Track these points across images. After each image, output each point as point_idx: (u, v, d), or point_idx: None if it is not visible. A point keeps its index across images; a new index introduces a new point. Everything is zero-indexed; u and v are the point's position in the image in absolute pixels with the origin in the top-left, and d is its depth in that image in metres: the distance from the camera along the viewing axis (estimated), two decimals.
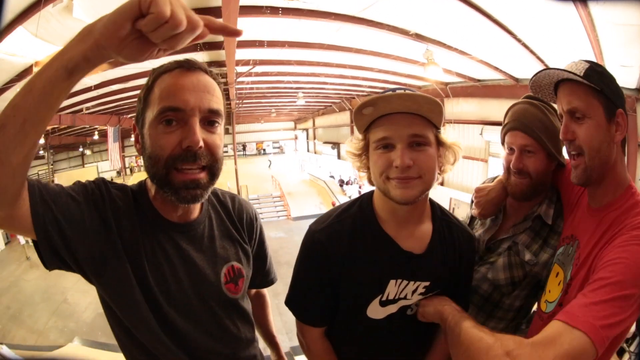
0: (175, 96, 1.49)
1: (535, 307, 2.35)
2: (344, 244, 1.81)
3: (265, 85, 19.28)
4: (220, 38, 9.56)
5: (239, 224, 1.96)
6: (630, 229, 1.64)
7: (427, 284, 1.86)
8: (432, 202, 1.97)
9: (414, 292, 1.87)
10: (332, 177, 35.55)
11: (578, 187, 2.12)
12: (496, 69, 12.73)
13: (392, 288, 1.83)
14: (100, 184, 1.63)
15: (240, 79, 15.46)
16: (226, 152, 46.01)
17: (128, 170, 39.57)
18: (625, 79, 9.15)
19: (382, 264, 1.82)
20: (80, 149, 40.05)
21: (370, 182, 1.85)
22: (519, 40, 9.04)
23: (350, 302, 1.87)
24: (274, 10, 8.03)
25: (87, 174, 38.06)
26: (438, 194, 19.11)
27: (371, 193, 1.94)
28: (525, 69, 12.19)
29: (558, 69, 1.80)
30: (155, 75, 1.58)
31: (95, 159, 41.33)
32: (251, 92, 20.52)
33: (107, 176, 39.40)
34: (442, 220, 1.97)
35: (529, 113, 2.26)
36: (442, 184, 19.85)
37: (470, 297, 2.24)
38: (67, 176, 37.16)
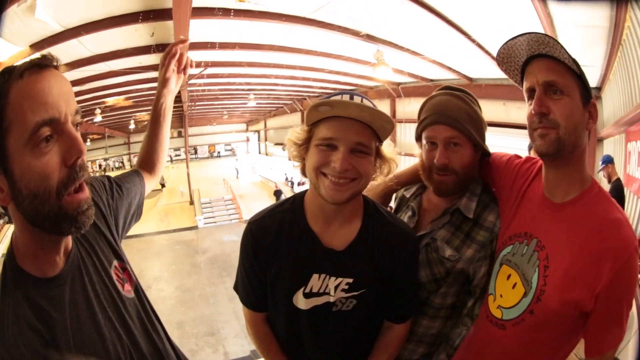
0: (47, 104, 1.21)
1: (466, 307, 2.25)
2: (271, 236, 1.94)
3: (217, 87, 19.20)
4: (172, 40, 9.41)
5: (103, 208, 1.82)
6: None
7: (349, 280, 1.91)
8: (367, 201, 2.04)
9: (336, 287, 1.92)
10: (286, 179, 35.51)
11: (520, 180, 2.10)
12: (449, 68, 12.90)
13: (316, 282, 1.91)
14: None
15: (192, 81, 15.34)
16: (178, 155, 45.68)
17: None
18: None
19: (305, 258, 1.92)
20: None
21: (303, 173, 1.94)
22: (472, 40, 9.17)
23: (277, 289, 1.98)
24: (225, 12, 7.99)
25: None
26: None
27: (304, 192, 2.05)
28: (480, 69, 12.48)
29: (544, 36, 1.76)
30: (6, 86, 1.18)
31: None
32: (203, 94, 20.37)
33: None
34: (375, 218, 2.00)
35: (451, 104, 2.15)
36: None
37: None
38: None
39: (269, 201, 30.66)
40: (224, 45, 11.06)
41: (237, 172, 42.48)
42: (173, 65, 2.13)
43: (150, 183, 2.28)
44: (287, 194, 29.03)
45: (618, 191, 7.12)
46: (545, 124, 1.76)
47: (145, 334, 1.69)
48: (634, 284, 1.65)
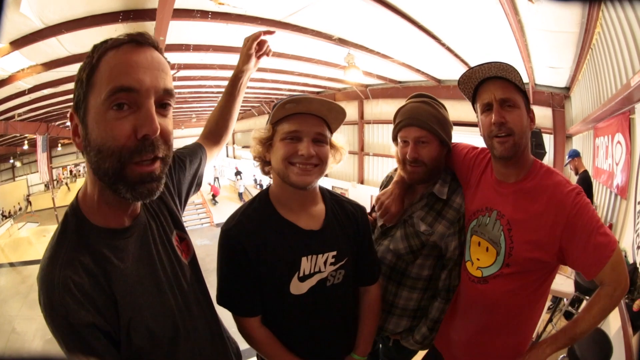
0: (129, 75, 1.33)
1: (442, 277, 2.68)
2: (255, 235, 2.09)
3: (186, 90, 18.95)
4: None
5: (170, 181, 1.99)
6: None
7: (334, 253, 2.21)
8: (320, 188, 2.35)
9: (325, 263, 2.19)
10: (255, 181, 35.17)
11: (476, 168, 2.60)
12: (418, 71, 13.18)
13: (306, 264, 2.14)
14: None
15: None
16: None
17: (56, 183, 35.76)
18: (554, 79, 10.24)
19: (290, 245, 2.13)
20: (11, 161, 36.23)
21: (264, 172, 2.25)
22: (442, 44, 9.39)
23: (273, 283, 2.13)
24: (203, 14, 8.00)
25: (17, 188, 35.76)
26: (358, 192, 19.48)
27: (266, 190, 2.29)
28: (448, 71, 12.82)
29: (502, 63, 2.22)
30: (101, 52, 1.36)
31: (25, 171, 37.93)
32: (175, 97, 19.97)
33: (36, 190, 36.43)
34: (332, 199, 2.36)
35: (421, 109, 2.56)
36: (362, 182, 20.26)
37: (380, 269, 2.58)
38: None
39: (239, 204, 30.03)
40: (198, 48, 10.98)
41: (215, 180, 41.01)
42: (255, 46, 2.38)
43: (214, 153, 2.52)
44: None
45: (585, 181, 7.52)
46: (503, 130, 2.22)
47: (196, 300, 1.83)
48: (591, 213, 2.12)
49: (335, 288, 2.26)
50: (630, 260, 4.83)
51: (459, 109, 8.29)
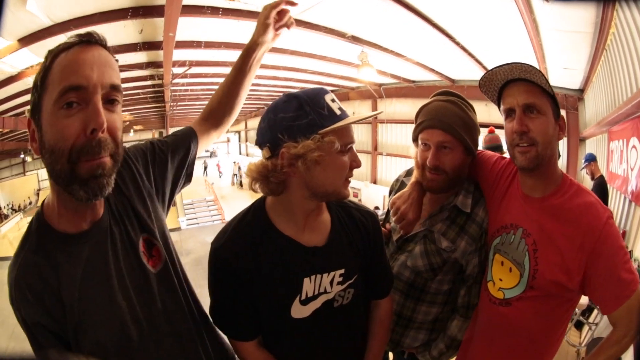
0: (77, 72, 1.34)
1: (458, 294, 2.46)
2: (248, 255, 1.81)
3: (199, 87, 18.98)
4: (160, 38, 9.39)
5: (139, 178, 1.83)
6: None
7: (341, 271, 1.91)
8: None
9: (331, 283, 1.90)
10: None
11: (503, 180, 2.34)
12: (432, 70, 13.04)
13: (309, 285, 1.85)
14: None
15: (175, 81, 15.14)
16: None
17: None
18: (568, 80, 9.91)
19: (290, 266, 1.84)
20: (22, 156, 36.38)
21: (277, 192, 1.80)
22: (457, 43, 9.26)
23: (271, 308, 1.87)
24: (214, 11, 7.95)
25: (27, 182, 36.45)
26: (372, 193, 19.37)
27: (262, 200, 1.95)
28: (462, 71, 12.65)
29: (525, 65, 1.98)
30: (53, 55, 1.39)
31: (36, 166, 38.31)
32: (185, 94, 20.12)
33: (46, 184, 37.42)
34: (338, 207, 2.05)
35: (447, 110, 2.27)
36: (375, 182, 20.16)
37: (395, 284, 2.35)
38: (9, 186, 35.15)
39: (251, 201, 30.25)
40: (209, 45, 10.97)
41: (205, 172, 41.90)
42: (274, 15, 2.07)
43: (211, 137, 2.24)
44: None
45: (601, 187, 7.31)
46: (525, 140, 1.99)
47: (164, 312, 1.69)
48: (619, 244, 1.94)
49: (344, 309, 1.98)
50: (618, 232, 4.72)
51: None
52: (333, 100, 1.76)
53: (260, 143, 1.80)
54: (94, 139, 1.33)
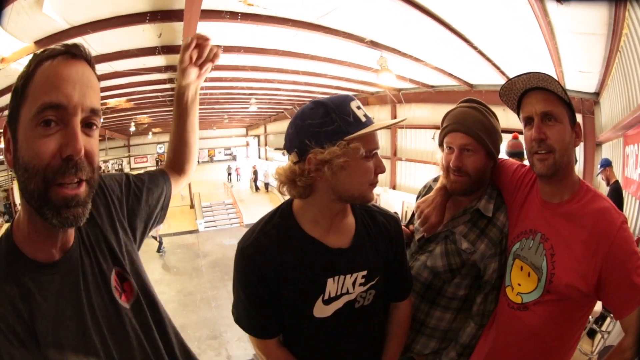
0: (59, 89, 1.27)
1: (472, 301, 2.47)
2: (274, 255, 1.87)
3: (218, 91, 19.05)
4: (178, 42, 9.45)
5: (113, 208, 1.76)
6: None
7: (364, 272, 1.98)
8: None
9: (354, 284, 1.96)
10: None
11: (523, 187, 2.40)
12: (450, 75, 12.99)
13: (332, 286, 1.91)
14: None
15: None
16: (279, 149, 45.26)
17: None
18: (583, 84, 9.78)
19: (315, 266, 1.90)
20: None
21: (305, 195, 1.85)
22: (474, 48, 9.23)
23: (294, 307, 1.92)
24: (233, 15, 7.98)
25: None
26: (391, 198, 19.31)
27: (289, 202, 2.02)
28: (481, 76, 12.55)
29: (542, 74, 2.05)
30: (37, 61, 1.32)
31: None
32: (204, 97, 20.15)
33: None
34: (362, 210, 2.12)
35: (469, 115, 2.39)
36: (394, 187, 20.09)
37: (413, 285, 2.39)
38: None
39: (269, 206, 30.41)
40: (228, 49, 10.99)
41: (229, 177, 41.98)
42: (188, 56, 1.98)
43: (179, 183, 2.24)
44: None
45: (617, 193, 7.24)
46: (543, 147, 2.06)
47: (140, 349, 1.60)
48: (632, 249, 1.93)
49: (365, 310, 2.05)
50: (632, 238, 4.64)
51: None
52: (359, 107, 1.81)
53: (288, 148, 1.87)
54: (71, 162, 1.28)
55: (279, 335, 2.03)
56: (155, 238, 22.16)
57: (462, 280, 2.44)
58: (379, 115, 20.28)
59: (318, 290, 1.91)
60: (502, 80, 12.06)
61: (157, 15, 7.80)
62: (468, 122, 2.37)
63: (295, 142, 1.80)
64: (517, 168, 2.53)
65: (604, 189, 7.65)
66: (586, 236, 2.01)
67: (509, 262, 2.35)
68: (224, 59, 12.30)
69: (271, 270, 1.86)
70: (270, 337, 2.00)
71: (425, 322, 2.54)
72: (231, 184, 37.04)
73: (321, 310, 1.93)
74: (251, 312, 1.96)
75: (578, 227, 2.06)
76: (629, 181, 7.27)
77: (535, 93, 2.12)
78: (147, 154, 44.52)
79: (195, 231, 25.77)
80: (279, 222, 1.96)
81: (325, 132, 1.74)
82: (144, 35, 9.32)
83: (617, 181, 7.55)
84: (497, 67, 10.57)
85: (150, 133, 39.57)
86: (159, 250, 21.96)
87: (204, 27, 8.17)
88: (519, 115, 2.25)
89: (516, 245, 2.32)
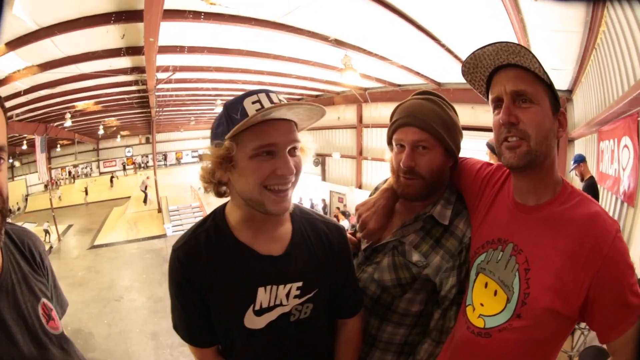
0: None
1: (431, 317, 2.15)
2: (202, 260, 1.77)
3: (184, 92, 18.98)
4: (141, 42, 9.37)
5: (31, 259, 1.75)
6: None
7: (299, 284, 1.84)
8: None
9: (288, 295, 1.83)
10: None
11: (490, 188, 2.06)
12: (417, 73, 13.11)
13: (263, 296, 1.79)
14: None
15: (160, 86, 15.12)
16: (147, 162, 45.07)
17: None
18: (556, 81, 9.73)
19: (245, 274, 1.78)
20: (10, 160, 35.34)
21: (220, 194, 1.81)
22: (442, 46, 9.29)
23: (224, 316, 1.82)
24: (196, 15, 7.93)
25: (16, 188, 36.14)
26: (357, 197, 19.47)
27: (223, 206, 1.92)
28: (449, 74, 12.78)
29: (513, 45, 1.71)
30: None
31: (24, 171, 38.06)
32: (171, 99, 20.12)
33: (35, 189, 36.89)
34: (302, 218, 1.99)
35: (424, 108, 2.07)
36: (360, 187, 20.25)
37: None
38: None
39: None
40: (192, 49, 10.98)
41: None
42: None
43: None
44: None
45: (592, 188, 7.28)
46: (514, 133, 1.71)
47: None
48: (628, 263, 1.60)
49: (302, 324, 1.90)
50: (628, 251, 4.67)
51: (459, 113, 8.20)
52: (256, 102, 1.66)
53: None
54: None
55: (216, 344, 1.94)
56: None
57: (414, 295, 2.13)
58: (345, 115, 20.52)
59: (248, 299, 1.78)
60: None
61: (121, 15, 7.76)
62: (422, 115, 2.05)
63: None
64: (482, 167, 2.20)
65: (578, 185, 7.75)
66: (572, 247, 1.64)
67: (472, 277, 1.99)
68: (188, 59, 12.33)
69: (199, 275, 1.78)
70: (207, 345, 1.92)
71: (377, 337, 2.25)
72: (199, 187, 36.96)
73: (252, 322, 1.82)
74: (185, 319, 1.88)
75: (562, 235, 1.68)
76: (604, 176, 7.31)
77: (507, 70, 1.77)
78: (115, 157, 44.16)
79: (163, 236, 25.39)
80: (210, 226, 1.86)
81: (215, 134, 1.72)
82: (109, 36, 9.26)
83: (592, 177, 7.60)
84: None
85: (118, 136, 39.26)
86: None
87: (169, 28, 8.21)
88: (488, 99, 1.90)
89: (480, 257, 1.96)
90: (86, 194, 35.95)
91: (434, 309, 2.13)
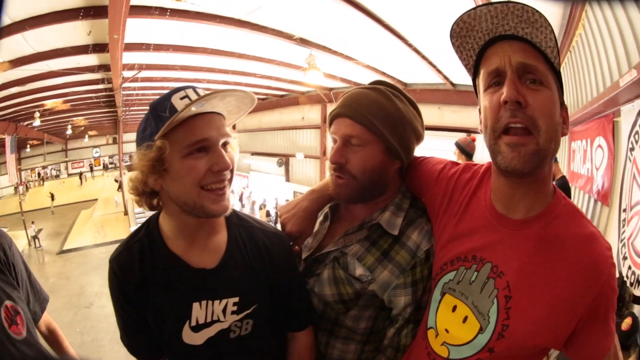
0: None
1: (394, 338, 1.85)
2: (135, 272, 1.68)
3: (149, 91, 18.68)
4: (107, 39, 9.15)
5: None
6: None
7: (235, 299, 1.71)
8: None
9: (224, 311, 1.71)
10: None
11: (459, 193, 1.74)
12: (383, 73, 13.10)
13: (199, 311, 1.68)
14: None
15: (126, 85, 14.87)
16: (112, 163, 44.35)
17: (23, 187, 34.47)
18: None
19: (178, 288, 1.68)
20: None
21: (152, 207, 1.70)
22: (410, 45, 9.33)
23: (162, 330, 1.71)
24: (162, 11, 7.87)
25: None
26: None
27: (157, 215, 1.78)
28: (415, 74, 12.84)
29: (528, 8, 1.31)
30: None
31: None
32: (137, 98, 19.80)
33: (5, 193, 35.68)
34: (240, 226, 1.83)
35: (364, 97, 1.81)
36: None
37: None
38: None
39: None
40: (158, 47, 10.86)
41: None
42: None
43: None
44: None
45: (564, 188, 7.38)
46: (521, 119, 1.32)
47: None
48: (615, 290, 1.41)
49: (244, 340, 1.77)
50: (616, 274, 4.70)
51: (426, 113, 8.31)
52: (184, 97, 1.55)
53: None
54: None
55: (161, 358, 1.84)
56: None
57: (361, 312, 1.87)
58: (309, 115, 20.56)
59: (183, 315, 1.67)
60: (438, 79, 12.44)
61: (89, 11, 7.64)
62: (359, 106, 1.78)
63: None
64: (446, 166, 1.88)
65: None
66: (566, 273, 1.38)
67: (435, 296, 1.70)
68: (154, 58, 12.18)
69: (133, 287, 1.69)
70: (154, 358, 1.84)
71: (327, 354, 2.01)
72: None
73: (191, 338, 1.70)
74: (128, 332, 1.79)
75: (554, 259, 1.41)
76: (576, 175, 7.41)
77: (511, 42, 1.38)
78: (83, 158, 43.28)
79: None
80: (144, 235, 1.74)
81: (142, 137, 1.57)
82: (76, 32, 9.12)
83: (563, 176, 7.67)
84: (433, 66, 10.74)
85: (86, 136, 38.60)
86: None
87: (134, 24, 8.13)
88: (476, 75, 1.52)
89: (448, 275, 1.65)
90: (52, 199, 35.15)
91: (385, 325, 1.89)
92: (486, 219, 1.57)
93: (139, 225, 1.83)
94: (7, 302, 1.63)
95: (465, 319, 1.54)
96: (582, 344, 1.40)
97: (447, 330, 1.60)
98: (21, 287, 1.77)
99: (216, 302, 1.68)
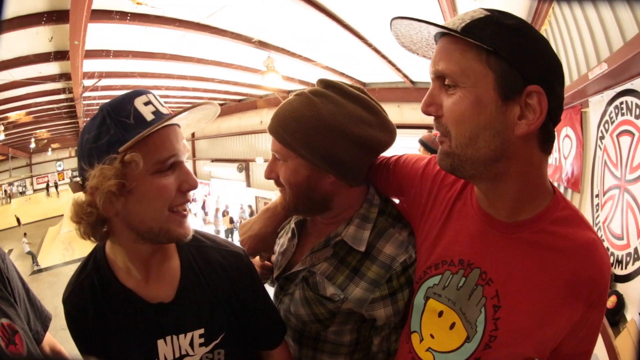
0: None
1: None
2: (90, 312, 1.53)
3: (107, 100, 18.14)
4: (67, 46, 9.00)
5: None
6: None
7: (201, 331, 1.59)
8: None
9: (192, 344, 1.59)
10: None
11: (445, 192, 1.64)
12: (342, 74, 13.08)
13: (165, 348, 1.55)
14: None
15: (87, 94, 14.56)
16: (76, 176, 42.92)
17: None
18: None
19: (139, 326, 1.54)
20: None
21: (102, 237, 1.49)
22: (369, 45, 9.40)
23: None
24: (122, 16, 7.79)
25: None
26: None
27: (103, 244, 1.60)
28: (374, 73, 12.96)
29: (425, 22, 1.31)
30: None
31: None
32: (94, 109, 19.22)
33: None
34: (191, 247, 1.66)
35: (282, 109, 1.71)
36: None
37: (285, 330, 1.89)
38: None
39: None
40: (118, 54, 10.70)
41: None
42: None
43: None
44: None
45: None
46: (437, 128, 1.33)
47: None
48: (604, 310, 1.38)
49: None
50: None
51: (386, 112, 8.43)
52: (148, 103, 1.40)
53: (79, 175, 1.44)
54: None
55: None
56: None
57: (340, 327, 1.80)
58: (267, 118, 20.11)
59: (150, 354, 1.54)
60: (397, 78, 12.65)
61: (53, 16, 7.48)
62: (276, 120, 1.71)
63: (79, 167, 1.41)
64: (429, 162, 1.78)
65: None
66: (562, 283, 1.31)
67: (419, 301, 1.61)
68: (114, 65, 11.99)
69: (92, 330, 1.54)
70: None
71: None
72: None
73: None
74: None
75: (549, 267, 1.33)
76: None
77: (441, 39, 1.32)
78: (48, 172, 42.11)
79: None
80: (92, 269, 1.58)
81: (99, 146, 1.34)
82: (38, 38, 8.85)
83: None
84: (393, 64, 10.86)
85: (49, 149, 37.86)
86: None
87: (95, 30, 8.03)
88: None
89: (432, 279, 1.56)
90: (19, 223, 34.18)
91: (371, 334, 1.81)
92: (473, 219, 1.49)
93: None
94: (3, 320, 1.44)
95: (452, 326, 1.47)
96: (566, 349, 1.39)
97: (432, 336, 1.53)
98: (19, 304, 1.59)
99: (181, 336, 1.57)
